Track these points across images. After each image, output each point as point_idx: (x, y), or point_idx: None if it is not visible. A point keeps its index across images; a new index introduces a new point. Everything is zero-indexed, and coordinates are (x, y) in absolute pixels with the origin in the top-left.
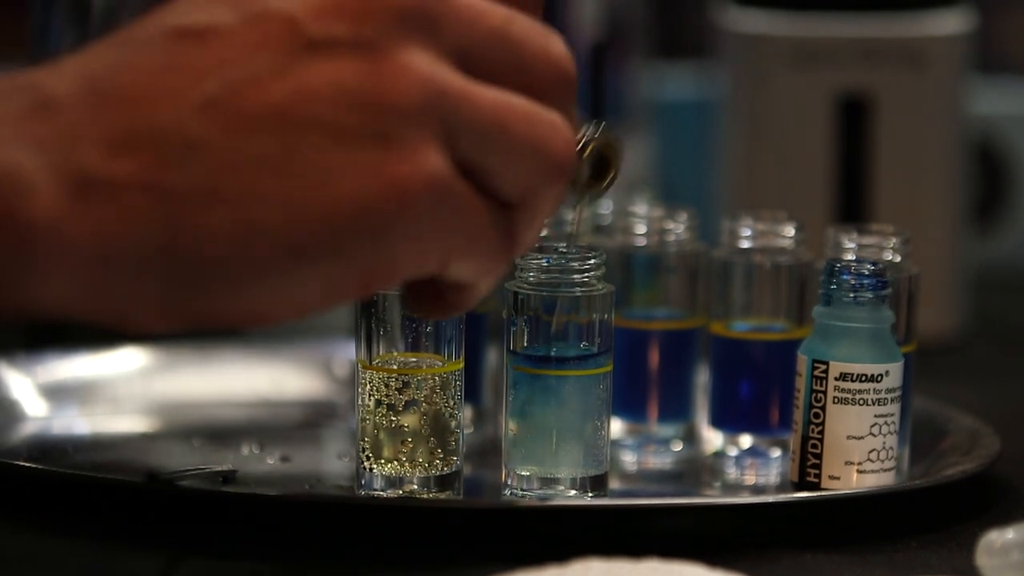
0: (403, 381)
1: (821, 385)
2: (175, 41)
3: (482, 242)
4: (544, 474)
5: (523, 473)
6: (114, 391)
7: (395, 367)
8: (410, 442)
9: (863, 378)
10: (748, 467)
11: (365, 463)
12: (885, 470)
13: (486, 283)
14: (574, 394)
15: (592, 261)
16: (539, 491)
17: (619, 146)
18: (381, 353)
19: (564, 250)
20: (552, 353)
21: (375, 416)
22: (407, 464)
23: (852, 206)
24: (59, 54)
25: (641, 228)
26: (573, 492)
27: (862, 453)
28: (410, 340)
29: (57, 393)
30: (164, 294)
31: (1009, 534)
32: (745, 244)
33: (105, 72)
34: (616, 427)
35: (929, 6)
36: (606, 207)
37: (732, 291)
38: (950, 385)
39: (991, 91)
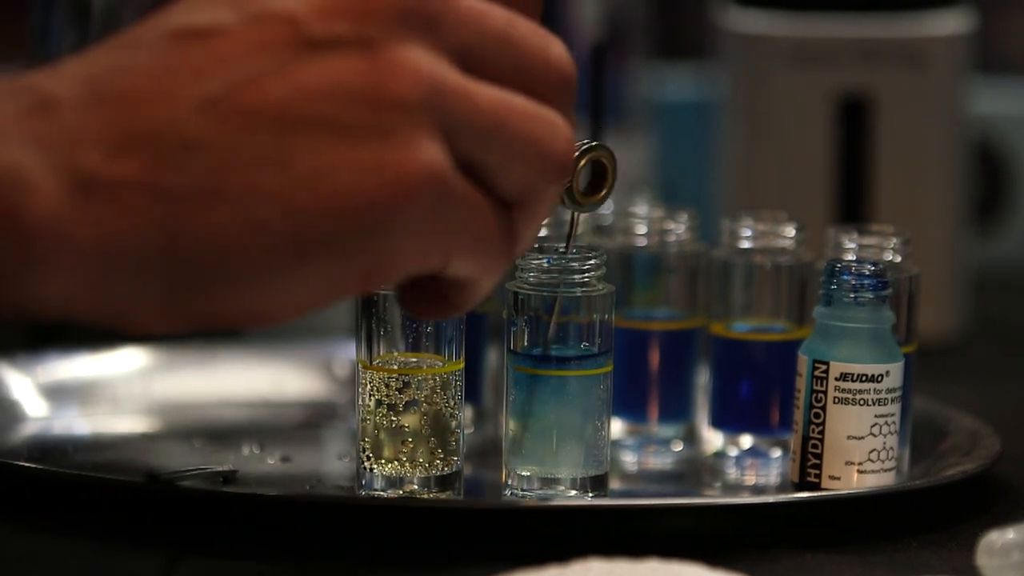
0: (403, 381)
1: (821, 385)
2: (175, 42)
3: (484, 239)
4: (544, 474)
5: (523, 473)
6: (114, 391)
7: (395, 367)
8: (410, 442)
9: (863, 378)
10: (748, 467)
11: (365, 463)
12: (885, 470)
13: (488, 281)
14: (575, 394)
15: (592, 261)
16: (539, 491)
17: (614, 159)
18: (382, 353)
19: (564, 250)
20: (552, 353)
21: (375, 416)
22: (407, 464)
23: (852, 206)
24: (59, 54)
25: (641, 228)
26: (573, 492)
27: (862, 453)
28: (411, 340)
29: (57, 393)
30: (165, 293)
31: (1009, 534)
32: (745, 244)
33: (105, 73)
34: (616, 427)
35: (929, 6)
36: (607, 207)
37: (732, 291)
38: (950, 385)
39: (991, 91)
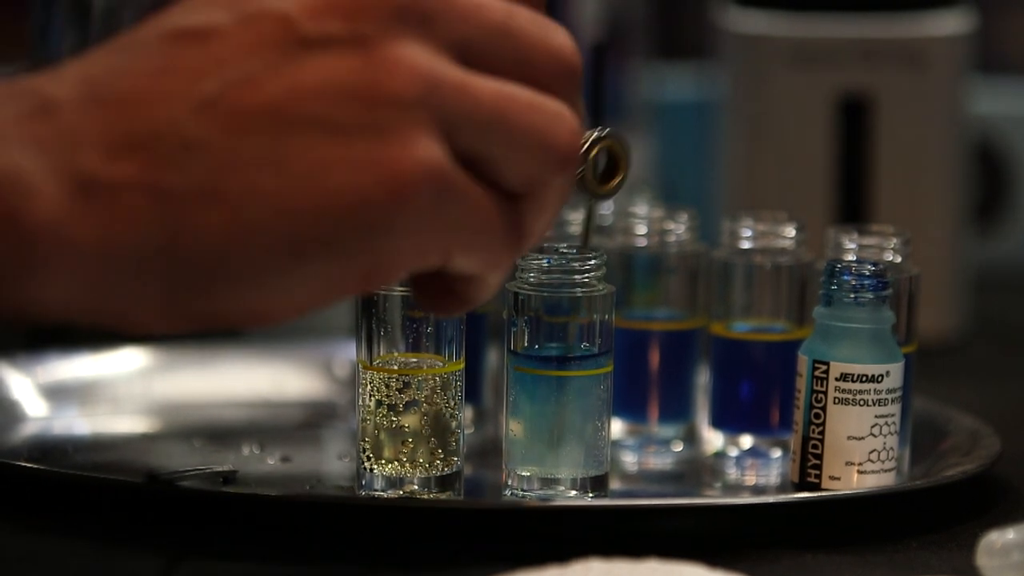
0: (404, 381)
1: (822, 385)
2: (172, 44)
3: (486, 234)
4: (544, 474)
5: (523, 473)
6: (114, 391)
7: (396, 367)
8: (411, 442)
9: (864, 378)
10: (748, 467)
11: (366, 463)
12: (885, 470)
13: (495, 276)
14: (575, 394)
15: (593, 262)
16: (539, 491)
17: (627, 146)
18: (382, 353)
19: (565, 250)
20: (552, 353)
21: (376, 416)
22: (407, 464)
23: (852, 206)
24: (59, 55)
25: (642, 229)
26: (573, 492)
27: (863, 453)
28: (411, 340)
29: (57, 393)
30: (165, 294)
31: (1009, 535)
32: (745, 245)
33: (104, 76)
34: (617, 428)
35: (929, 6)
36: (607, 207)
37: (732, 292)
38: (950, 385)
39: (991, 91)
